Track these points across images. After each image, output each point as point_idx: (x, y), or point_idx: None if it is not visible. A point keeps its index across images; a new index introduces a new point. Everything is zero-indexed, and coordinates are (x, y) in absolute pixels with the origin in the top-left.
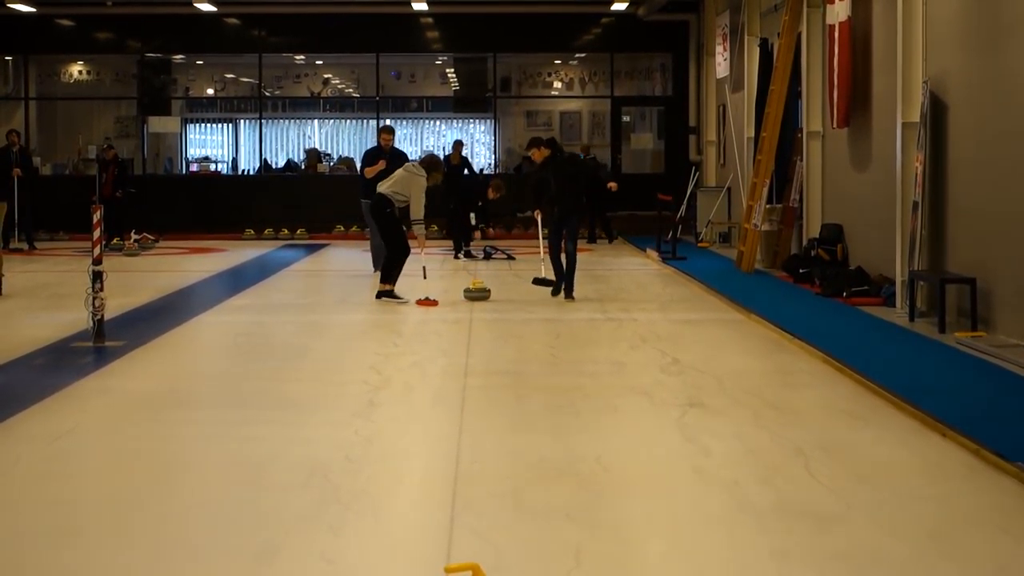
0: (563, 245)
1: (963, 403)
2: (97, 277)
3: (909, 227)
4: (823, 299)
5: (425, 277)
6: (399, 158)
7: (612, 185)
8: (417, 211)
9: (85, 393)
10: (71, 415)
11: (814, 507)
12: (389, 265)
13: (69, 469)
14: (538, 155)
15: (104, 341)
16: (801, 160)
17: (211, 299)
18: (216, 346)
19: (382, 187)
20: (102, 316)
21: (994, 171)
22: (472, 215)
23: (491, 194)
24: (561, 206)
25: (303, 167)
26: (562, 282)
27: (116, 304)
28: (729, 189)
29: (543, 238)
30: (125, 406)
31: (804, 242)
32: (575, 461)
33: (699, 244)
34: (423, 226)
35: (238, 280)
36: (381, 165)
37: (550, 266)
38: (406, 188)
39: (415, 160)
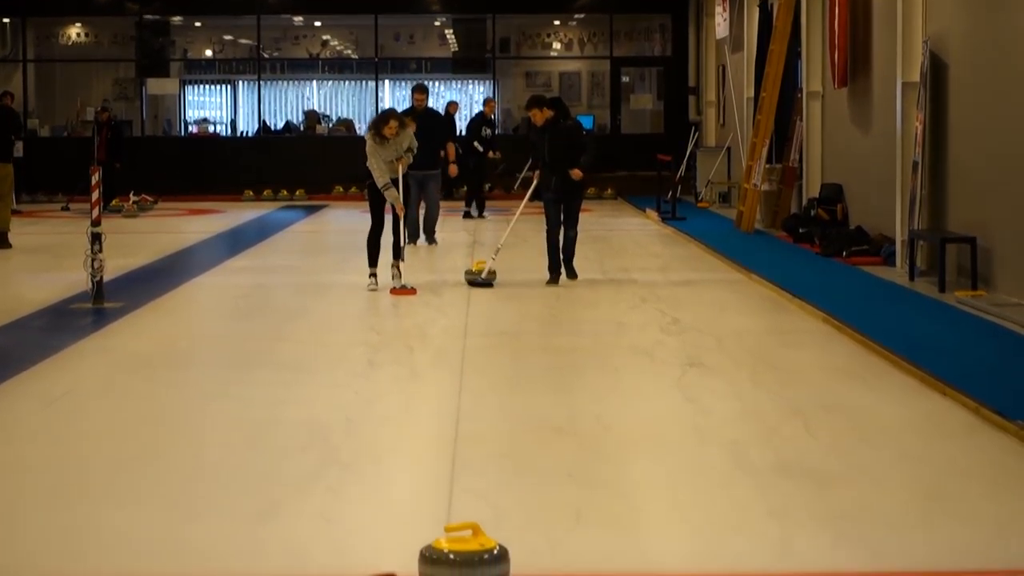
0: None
1: (963, 362)
2: (96, 239)
3: (909, 186)
4: (823, 259)
5: (492, 256)
6: (433, 120)
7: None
8: (375, 177)
9: (84, 354)
10: (70, 376)
11: (813, 466)
12: (367, 244)
13: (69, 430)
14: (539, 117)
15: (103, 302)
16: (801, 120)
17: (210, 260)
18: (215, 307)
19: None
20: (101, 277)
21: (994, 130)
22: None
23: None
24: (556, 182)
25: (302, 129)
26: (558, 270)
27: (115, 265)
28: (729, 149)
29: (525, 201)
30: (124, 367)
31: (804, 202)
32: (575, 420)
33: (699, 204)
34: (390, 193)
35: (237, 241)
36: (411, 127)
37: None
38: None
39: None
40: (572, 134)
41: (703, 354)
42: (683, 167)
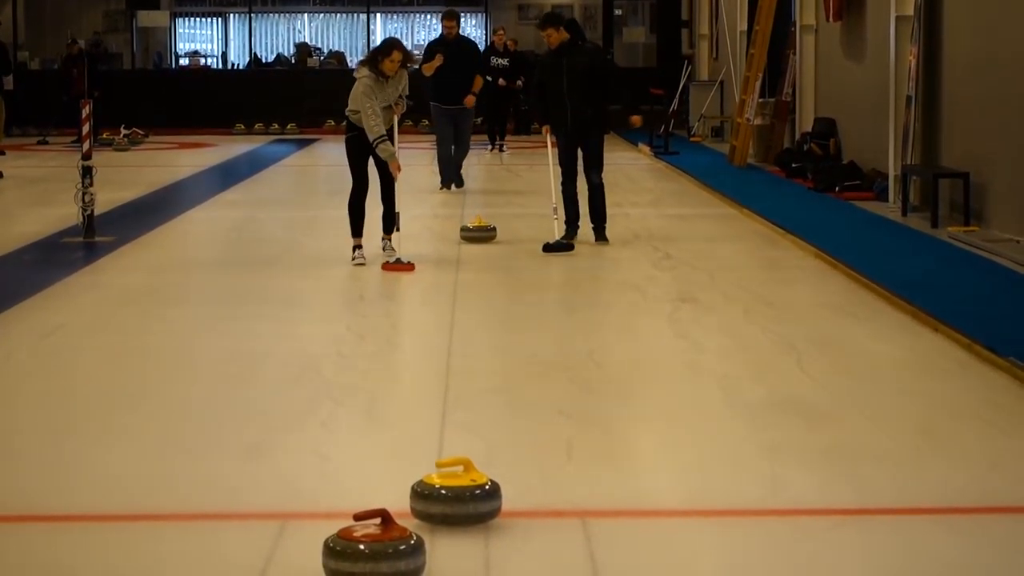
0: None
1: (955, 298)
2: (87, 172)
3: (902, 121)
4: (815, 194)
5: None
6: (465, 50)
7: (636, 120)
8: (369, 127)
9: (76, 289)
10: (62, 311)
11: (805, 402)
12: (349, 208)
13: (61, 365)
14: (555, 38)
15: (95, 236)
16: (794, 54)
17: (201, 194)
18: (207, 241)
19: (349, 108)
20: (92, 211)
21: (988, 65)
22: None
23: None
24: (573, 117)
25: (293, 62)
26: (576, 228)
27: (106, 199)
28: (722, 83)
29: (553, 166)
30: (116, 302)
31: (797, 136)
32: (567, 357)
33: (691, 139)
34: (385, 148)
35: (228, 175)
36: (438, 60)
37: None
38: (352, 99)
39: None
40: (594, 59)
41: (695, 290)
42: (676, 101)
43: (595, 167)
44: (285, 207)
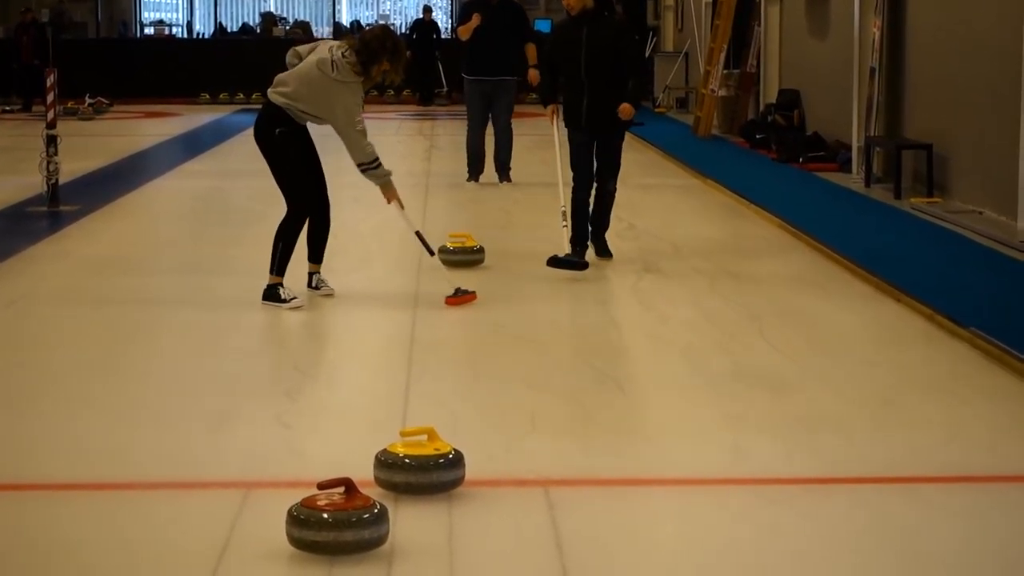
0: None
1: (918, 269)
2: (51, 141)
3: (866, 93)
4: (779, 165)
5: (431, 252)
6: (510, 13)
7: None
8: (363, 148)
9: (40, 258)
10: (26, 280)
11: (769, 373)
12: (279, 238)
13: (24, 335)
14: (577, 3)
15: (59, 205)
16: (759, 25)
17: (167, 163)
18: (172, 211)
19: (274, 91)
20: (57, 180)
21: (953, 37)
22: None
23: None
24: (591, 107)
25: (258, 31)
26: (585, 244)
27: (71, 168)
28: (687, 54)
29: (561, 157)
30: (81, 271)
31: (761, 108)
32: (531, 326)
33: (656, 109)
34: (381, 172)
35: (194, 144)
36: (475, 21)
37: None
38: (317, 100)
39: (348, 39)
40: (620, 35)
41: (659, 260)
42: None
43: (611, 171)
44: (250, 177)
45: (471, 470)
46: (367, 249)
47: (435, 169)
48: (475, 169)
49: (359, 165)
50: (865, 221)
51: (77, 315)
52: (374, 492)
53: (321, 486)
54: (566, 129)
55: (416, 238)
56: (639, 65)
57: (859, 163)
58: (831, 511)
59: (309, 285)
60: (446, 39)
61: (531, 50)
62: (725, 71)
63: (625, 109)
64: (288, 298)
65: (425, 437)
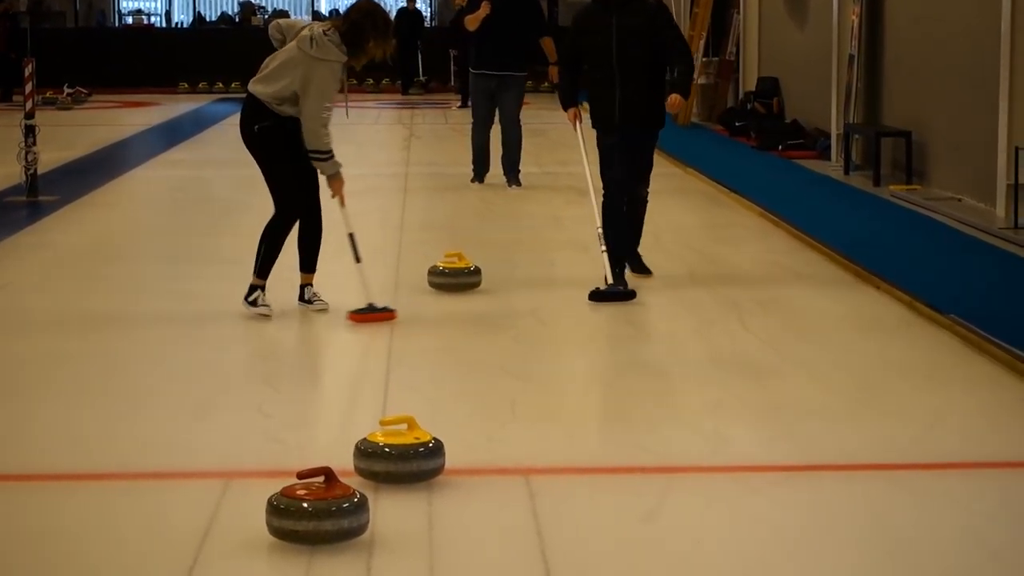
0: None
1: (897, 256)
2: (30, 131)
3: (845, 80)
4: (759, 152)
5: (358, 259)
6: (521, 2)
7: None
8: (318, 135)
9: (20, 248)
10: (6, 270)
11: (749, 360)
12: (264, 238)
13: (5, 325)
14: None
15: (38, 196)
16: (738, 13)
17: (146, 153)
18: (152, 201)
19: (254, 81)
20: (35, 170)
21: (931, 24)
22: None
23: None
24: (624, 105)
25: (237, 20)
26: (622, 266)
27: (50, 158)
28: None
29: (581, 135)
30: (60, 261)
31: (740, 95)
32: (511, 315)
33: None
34: (333, 163)
35: (173, 134)
36: (484, 11)
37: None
38: (295, 81)
39: (330, 21)
40: (655, 18)
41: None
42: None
43: (644, 176)
44: (229, 166)
45: (451, 459)
46: (345, 238)
47: (414, 158)
48: (480, 169)
49: (310, 152)
50: (844, 208)
51: (56, 305)
52: (354, 481)
53: (301, 475)
54: (598, 133)
55: (348, 240)
56: (684, 49)
57: (838, 151)
58: (811, 498)
59: (301, 299)
60: (428, 28)
61: (549, 44)
62: (704, 59)
63: (675, 101)
64: (258, 303)
65: (405, 426)
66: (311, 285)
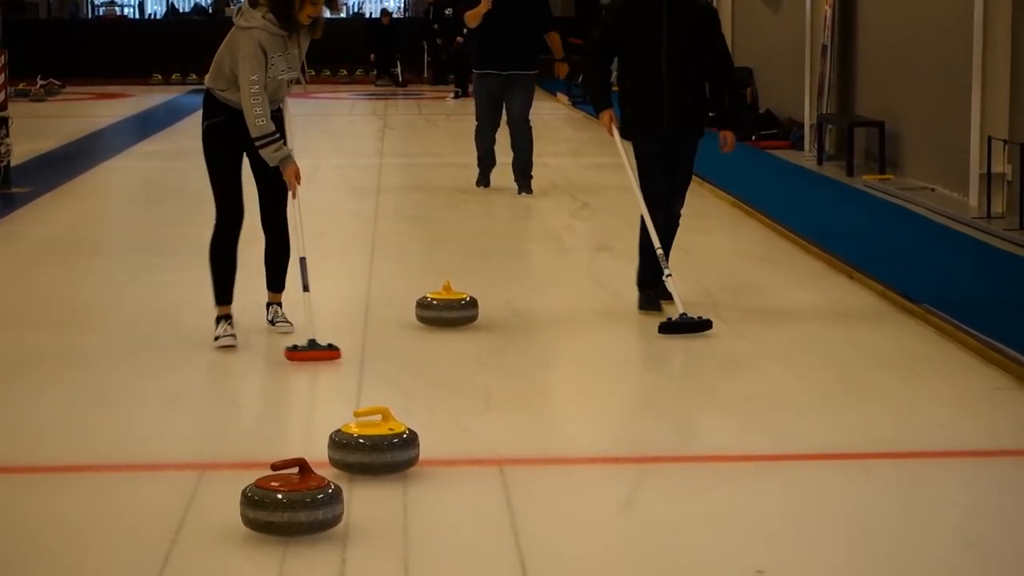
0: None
1: (870, 245)
2: (3, 123)
3: (818, 71)
4: None
5: (306, 287)
6: None
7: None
8: (252, 116)
9: None
10: None
11: (722, 349)
12: (211, 258)
13: None
14: None
15: (11, 187)
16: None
17: (119, 145)
18: (125, 192)
19: (208, 76)
20: (8, 162)
21: (904, 15)
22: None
23: None
24: (672, 110)
25: (210, 11)
26: (656, 285)
27: (23, 150)
28: None
29: (639, 189)
30: (34, 253)
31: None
32: (485, 305)
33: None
34: (277, 146)
35: (146, 125)
36: (485, 5)
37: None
38: (226, 59)
39: None
40: (703, 22)
41: (613, 239)
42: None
43: (682, 191)
44: (202, 157)
45: (425, 450)
46: (319, 225)
47: (388, 149)
48: (485, 173)
49: (255, 138)
50: (818, 198)
51: (30, 296)
52: (328, 472)
53: (275, 467)
54: (639, 149)
55: (299, 265)
56: (731, 65)
57: (811, 141)
58: (785, 488)
59: (267, 318)
60: (402, 18)
61: (555, 40)
62: None
63: (730, 140)
64: (220, 334)
65: (379, 417)
66: (279, 304)
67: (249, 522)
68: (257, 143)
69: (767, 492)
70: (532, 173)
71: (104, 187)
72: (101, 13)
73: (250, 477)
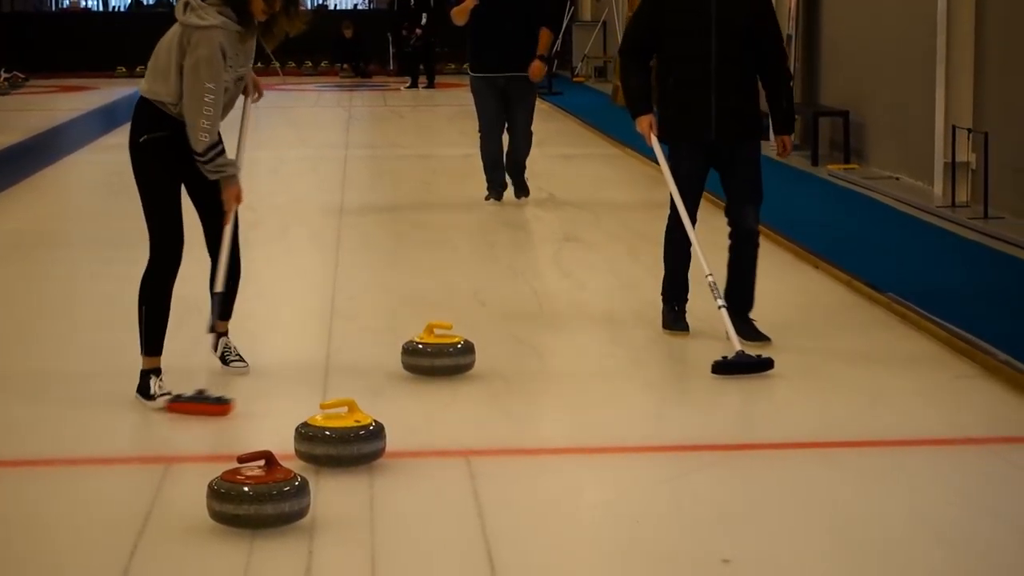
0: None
1: (835, 235)
2: None
3: None
4: None
5: (211, 328)
6: None
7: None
8: (197, 127)
9: None
10: None
11: (688, 340)
12: (142, 299)
13: None
14: None
15: None
16: None
17: (83, 138)
18: (89, 186)
19: (144, 81)
20: None
21: (867, 4)
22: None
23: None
24: (720, 112)
25: (175, 3)
26: (682, 319)
27: None
28: (605, 23)
29: (677, 207)
30: None
31: None
32: (451, 296)
33: (575, 79)
34: (219, 164)
35: (110, 118)
36: (470, 2)
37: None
38: (175, 64)
39: None
40: (755, 7)
41: (579, 229)
42: (559, 41)
43: (754, 198)
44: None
45: (392, 441)
46: (284, 219)
47: (353, 140)
48: (495, 184)
49: (197, 156)
50: (783, 188)
51: None
52: (295, 465)
53: (241, 459)
54: (673, 157)
55: (211, 299)
56: (784, 57)
57: None
58: (752, 477)
59: (214, 351)
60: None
61: (545, 37)
62: None
63: (787, 145)
64: (156, 394)
65: (345, 409)
66: (226, 335)
67: (216, 515)
68: (201, 158)
69: (732, 482)
70: (525, 178)
71: (68, 181)
72: (65, 6)
73: (216, 470)
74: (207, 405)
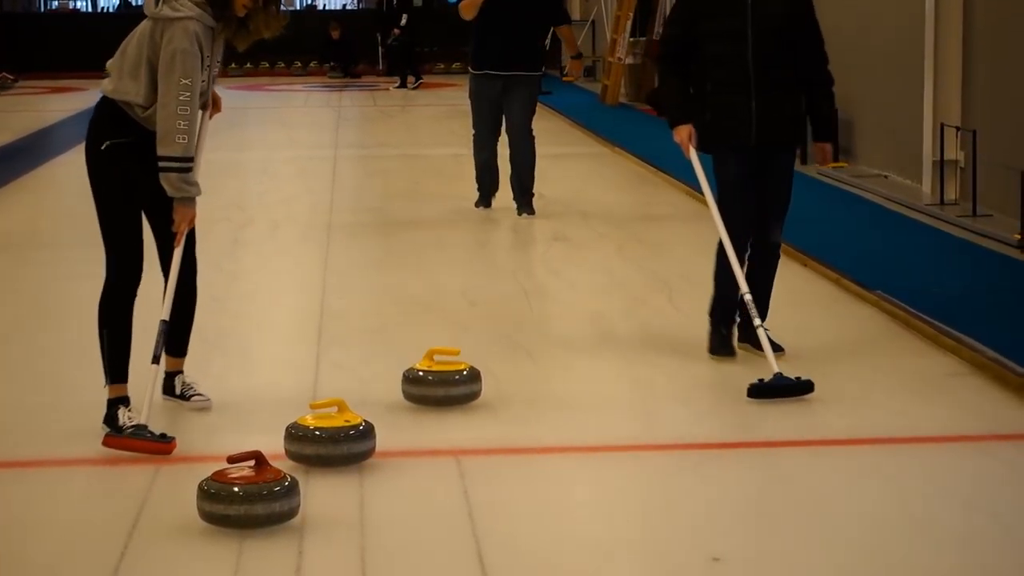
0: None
1: (824, 233)
2: None
3: None
4: None
5: (156, 358)
6: None
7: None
8: (173, 131)
9: None
10: None
11: (678, 339)
12: (102, 322)
13: None
14: None
15: None
16: None
17: (73, 139)
18: (79, 186)
19: (107, 81)
20: None
21: (857, 3)
22: None
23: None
24: (762, 117)
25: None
26: (730, 344)
27: None
28: (593, 22)
29: (719, 215)
30: None
31: None
32: (440, 296)
33: (563, 78)
34: (184, 180)
35: None
36: None
37: (762, 340)
38: (144, 60)
39: None
40: (798, 2)
41: (568, 228)
42: (547, 40)
43: (781, 214)
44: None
45: (382, 441)
46: (274, 220)
47: (343, 140)
48: (485, 190)
49: (158, 158)
50: None
51: None
52: (285, 465)
53: (231, 460)
54: (719, 165)
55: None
56: (826, 59)
57: None
58: (740, 475)
59: (168, 391)
60: (356, 10)
61: (568, 34)
62: (632, 39)
63: (827, 153)
64: (126, 426)
65: (335, 409)
66: (181, 372)
67: (206, 515)
68: (166, 164)
69: (723, 480)
70: (534, 190)
71: (58, 182)
72: (55, 6)
73: (207, 470)
74: (146, 443)
